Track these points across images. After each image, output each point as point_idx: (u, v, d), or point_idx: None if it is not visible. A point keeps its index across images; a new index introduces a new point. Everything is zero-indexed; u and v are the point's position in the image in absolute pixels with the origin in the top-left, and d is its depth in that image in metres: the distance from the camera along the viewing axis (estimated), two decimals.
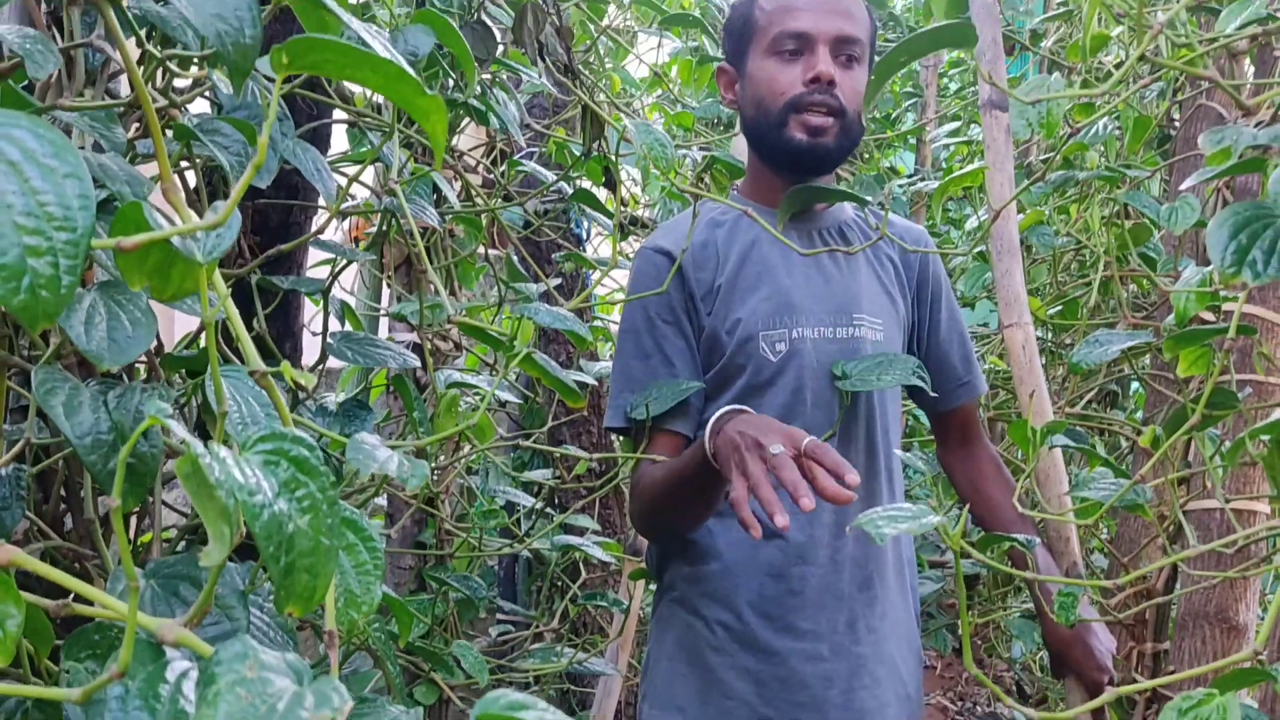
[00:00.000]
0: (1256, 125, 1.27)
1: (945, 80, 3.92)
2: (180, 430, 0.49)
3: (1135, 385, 2.65)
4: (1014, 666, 3.86)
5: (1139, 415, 2.56)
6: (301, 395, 1.23)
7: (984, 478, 1.58)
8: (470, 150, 2.02)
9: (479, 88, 1.68)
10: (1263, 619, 2.14)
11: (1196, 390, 1.74)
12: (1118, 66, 2.07)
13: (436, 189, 1.69)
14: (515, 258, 2.40)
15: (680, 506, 1.38)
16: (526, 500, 1.90)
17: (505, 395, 1.30)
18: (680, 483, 1.33)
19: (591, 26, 1.52)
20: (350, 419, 1.23)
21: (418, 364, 1.22)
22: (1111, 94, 1.93)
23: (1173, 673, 1.74)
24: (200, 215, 0.59)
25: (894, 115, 3.88)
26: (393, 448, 0.75)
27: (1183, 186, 1.15)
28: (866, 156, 3.83)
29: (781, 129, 1.43)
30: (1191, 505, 1.68)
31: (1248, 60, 1.74)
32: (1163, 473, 1.68)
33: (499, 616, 2.59)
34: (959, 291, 2.27)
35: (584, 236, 2.51)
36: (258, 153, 0.55)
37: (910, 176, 3.76)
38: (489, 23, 1.25)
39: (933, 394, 1.54)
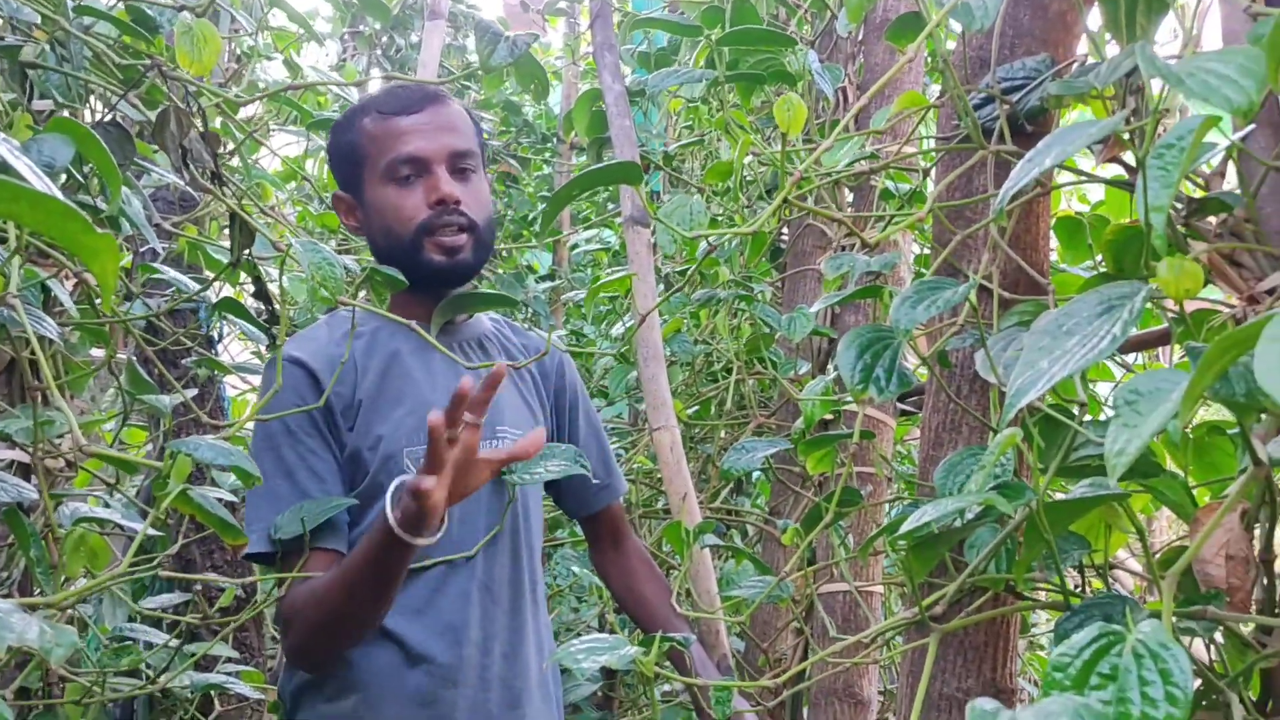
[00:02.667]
0: (866, 251, 1.43)
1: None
2: None
3: (757, 474, 2.86)
4: None
5: (761, 501, 2.76)
6: None
7: (637, 578, 1.62)
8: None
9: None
10: (883, 693, 2.37)
11: (818, 482, 1.92)
12: (740, 184, 2.27)
13: (46, 289, 1.53)
14: (138, 363, 2.21)
15: (362, 601, 1.30)
16: (157, 637, 1.71)
17: (130, 524, 1.17)
18: (361, 572, 1.26)
19: (233, 127, 1.44)
20: None
21: (34, 495, 1.08)
22: (744, 216, 2.11)
23: None
24: None
25: (531, 216, 4.00)
26: (29, 608, 0.66)
27: (814, 308, 1.27)
28: (504, 255, 3.92)
29: (417, 253, 1.42)
30: (822, 589, 1.84)
31: (848, 190, 1.97)
32: (797, 563, 1.82)
33: None
34: (603, 391, 2.36)
35: (215, 339, 2.35)
36: None
37: (546, 275, 3.89)
38: (122, 124, 1.15)
39: (575, 503, 1.60)
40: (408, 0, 3.64)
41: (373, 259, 1.46)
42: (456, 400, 1.16)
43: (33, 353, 1.78)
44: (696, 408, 2.22)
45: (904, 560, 0.91)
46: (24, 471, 1.73)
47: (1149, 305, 0.89)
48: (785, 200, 0.94)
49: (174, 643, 1.65)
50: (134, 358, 2.19)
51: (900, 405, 2.08)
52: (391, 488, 1.25)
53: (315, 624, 1.31)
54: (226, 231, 1.95)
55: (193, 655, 1.54)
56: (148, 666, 1.92)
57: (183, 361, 2.20)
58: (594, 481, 1.61)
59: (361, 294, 1.45)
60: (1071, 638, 0.67)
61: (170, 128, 1.13)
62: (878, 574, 1.89)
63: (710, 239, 1.54)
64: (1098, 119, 0.95)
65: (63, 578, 0.97)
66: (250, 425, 1.29)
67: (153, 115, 1.40)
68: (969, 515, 0.96)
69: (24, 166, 0.56)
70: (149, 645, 1.77)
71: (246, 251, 1.18)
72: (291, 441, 1.35)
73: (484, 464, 1.23)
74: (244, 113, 2.67)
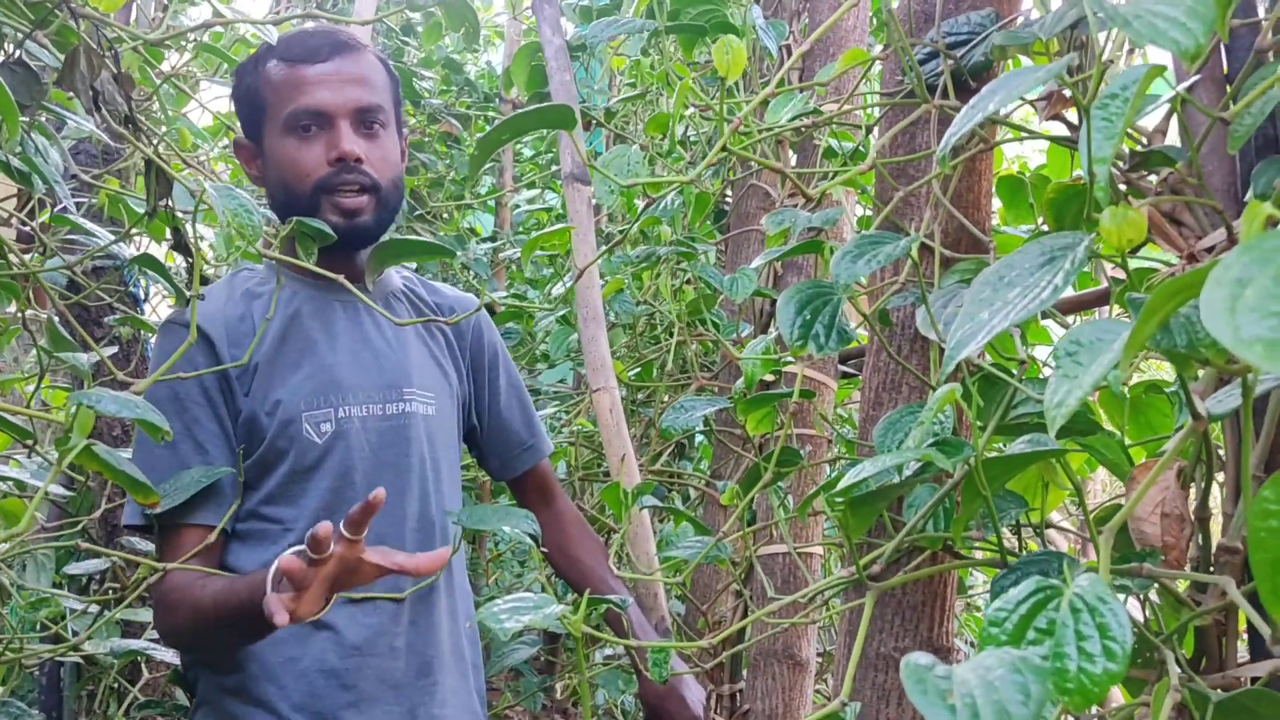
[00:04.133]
0: (809, 208, 1.41)
1: (520, 146, 4.03)
2: None
3: (700, 437, 2.85)
4: (598, 713, 3.99)
5: (704, 465, 2.75)
6: None
7: (570, 540, 1.59)
8: (1, 200, 1.77)
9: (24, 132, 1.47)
10: (821, 655, 2.38)
11: (759, 445, 1.90)
12: (682, 142, 2.24)
13: None
14: (58, 321, 2.13)
15: (226, 637, 1.25)
16: (73, 603, 1.66)
17: (51, 487, 1.12)
18: (231, 614, 1.20)
19: (151, 73, 1.38)
20: None
21: None
22: (686, 174, 2.08)
23: (748, 710, 1.86)
24: None
25: (473, 179, 3.93)
26: None
27: (754, 264, 1.25)
28: (446, 217, 3.85)
29: (314, 213, 1.34)
30: (762, 551, 1.83)
31: (790, 148, 1.95)
32: (737, 524, 1.81)
33: None
34: (544, 355, 2.33)
35: (141, 297, 2.28)
36: None
37: (488, 238, 3.82)
38: (30, 64, 1.09)
39: (499, 465, 1.58)
40: None
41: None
42: (315, 543, 1.05)
43: None
44: (639, 370, 2.19)
45: (841, 518, 0.90)
46: None
47: (1086, 269, 0.88)
48: (724, 149, 0.91)
49: (94, 608, 1.59)
50: (54, 316, 2.11)
51: (842, 368, 2.07)
52: (273, 569, 1.13)
53: (179, 625, 1.26)
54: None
55: (113, 620, 1.49)
56: (72, 634, 1.87)
57: (105, 320, 2.13)
58: (518, 442, 1.58)
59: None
60: (1009, 592, 0.66)
61: (80, 68, 1.07)
62: (817, 535, 1.89)
63: (650, 194, 1.51)
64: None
65: None
66: None
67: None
68: (907, 472, 0.94)
69: None
70: (71, 611, 1.71)
71: (164, 201, 1.12)
72: (178, 409, 1.30)
73: (370, 569, 1.12)
74: (171, 63, 2.58)
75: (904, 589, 1.27)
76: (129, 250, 1.34)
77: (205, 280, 1.52)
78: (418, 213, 3.58)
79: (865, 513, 0.93)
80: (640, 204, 1.71)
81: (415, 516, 1.40)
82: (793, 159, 1.96)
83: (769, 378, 1.85)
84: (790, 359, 1.56)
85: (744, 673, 1.98)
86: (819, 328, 1.07)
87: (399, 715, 1.36)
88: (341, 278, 1.29)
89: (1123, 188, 1.06)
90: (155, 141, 1.26)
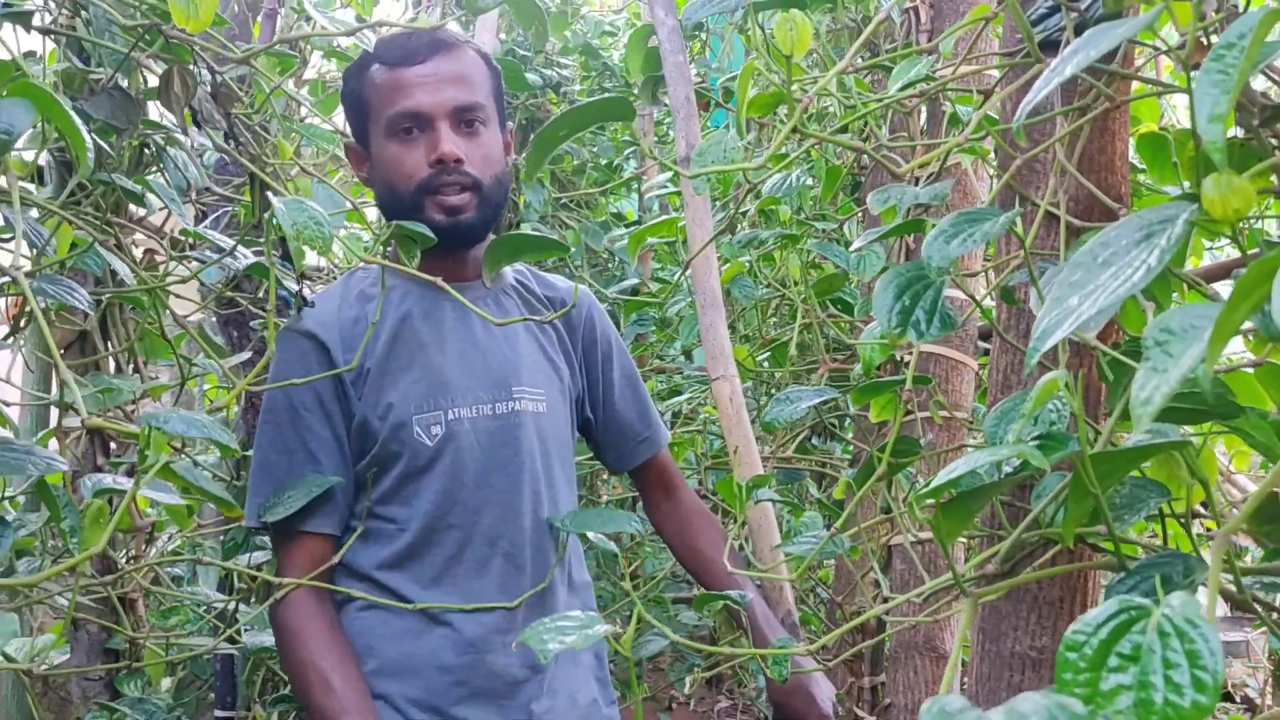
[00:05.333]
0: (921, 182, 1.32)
1: (662, 129, 4.01)
2: None
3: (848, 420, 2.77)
4: (762, 695, 3.96)
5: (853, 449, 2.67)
6: None
7: (692, 531, 1.57)
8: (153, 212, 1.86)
9: (159, 148, 1.54)
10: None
11: (883, 435, 1.82)
12: (819, 116, 2.16)
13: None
14: (210, 326, 2.23)
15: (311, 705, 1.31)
16: (214, 596, 1.74)
17: (152, 493, 1.17)
18: (313, 702, 1.28)
19: (278, 83, 1.41)
20: None
21: (65, 467, 1.08)
22: (814, 151, 2.01)
23: (889, 704, 1.80)
24: None
25: (615, 162, 3.93)
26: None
27: (854, 246, 1.19)
28: (592, 204, 3.87)
29: (418, 212, 1.36)
30: (896, 540, 1.75)
31: (922, 116, 1.85)
32: (871, 511, 1.74)
33: (217, 715, 2.38)
34: (676, 341, 2.30)
35: (291, 301, 2.36)
36: None
37: (634, 223, 3.82)
38: (125, 86, 1.13)
39: (615, 458, 1.58)
40: None
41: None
42: None
43: (103, 322, 1.81)
44: (769, 354, 2.13)
45: (932, 521, 0.83)
46: (96, 442, 1.77)
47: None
48: (794, 130, 0.86)
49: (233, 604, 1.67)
50: (205, 322, 2.22)
51: (985, 344, 1.96)
52: None
53: (285, 659, 1.32)
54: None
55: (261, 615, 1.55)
56: (229, 625, 1.97)
57: (253, 324, 2.22)
58: (634, 435, 1.56)
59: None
60: (1089, 612, 0.59)
61: (174, 88, 1.11)
62: None
63: (749, 177, 1.45)
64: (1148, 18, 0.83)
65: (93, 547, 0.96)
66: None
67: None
68: (1008, 469, 0.87)
69: None
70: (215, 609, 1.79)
71: (268, 212, 1.15)
72: (292, 417, 1.33)
73: None
74: (315, 68, 2.66)
75: (1040, 583, 1.19)
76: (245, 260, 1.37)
77: (306, 279, 1.54)
78: (562, 201, 3.61)
79: (959, 515, 0.87)
80: (737, 190, 1.65)
81: (529, 515, 1.41)
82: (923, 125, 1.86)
83: (907, 356, 1.77)
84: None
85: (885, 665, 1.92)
86: (920, 313, 1.01)
87: (513, 710, 1.37)
88: (440, 280, 1.29)
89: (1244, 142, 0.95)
90: (258, 155, 1.29)
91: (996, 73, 1.33)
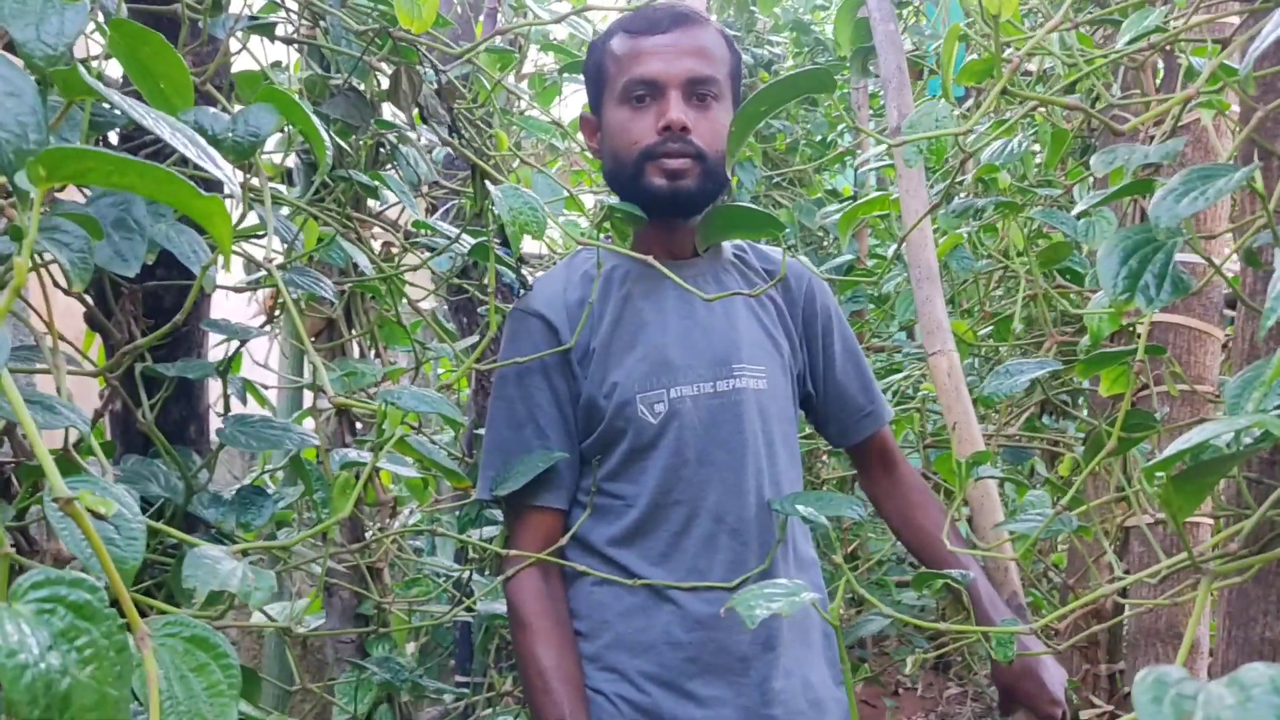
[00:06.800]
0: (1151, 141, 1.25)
1: (878, 100, 3.92)
2: None
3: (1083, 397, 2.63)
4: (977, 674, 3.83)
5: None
6: (198, 483, 1.19)
7: (913, 507, 1.54)
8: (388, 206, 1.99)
9: (392, 146, 1.65)
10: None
11: (1116, 410, 1.72)
12: (1043, 78, 2.07)
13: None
14: (442, 313, 2.36)
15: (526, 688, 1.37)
16: (451, 567, 1.85)
17: (393, 466, 1.25)
18: (536, 708, 1.34)
19: (484, 80, 1.48)
20: (246, 507, 1.19)
21: (316, 443, 1.18)
22: (1040, 116, 1.92)
23: (1129, 694, 1.71)
24: None
25: (829, 138, 3.88)
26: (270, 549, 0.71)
27: (1077, 209, 1.13)
28: (806, 181, 3.83)
29: (639, 178, 1.37)
30: (1132, 520, 1.66)
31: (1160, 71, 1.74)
32: (1104, 490, 1.65)
33: (458, 679, 2.53)
34: (893, 318, 2.26)
35: (515, 289, 2.46)
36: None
37: (850, 198, 3.75)
38: (360, 88, 1.21)
39: (838, 432, 1.57)
40: None
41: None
42: None
43: (347, 310, 1.95)
44: (992, 328, 2.06)
45: (1163, 496, 0.79)
46: (349, 420, 1.92)
47: None
48: (1004, 91, 0.83)
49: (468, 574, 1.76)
50: (438, 309, 2.35)
51: (1231, 313, 1.83)
52: None
53: (513, 640, 1.39)
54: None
55: (489, 587, 1.64)
56: (467, 594, 2.08)
57: (479, 310, 2.33)
58: (857, 409, 1.54)
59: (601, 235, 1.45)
60: None
61: (402, 87, 1.18)
62: (1206, 502, 1.68)
63: (964, 144, 1.40)
64: None
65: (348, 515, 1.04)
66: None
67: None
68: (1247, 440, 0.81)
69: (165, 130, 0.60)
70: (451, 578, 1.90)
71: (488, 200, 1.21)
72: (522, 394, 1.39)
73: None
74: (533, 62, 2.76)
75: None
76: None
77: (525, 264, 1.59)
78: (775, 180, 3.59)
79: (1193, 490, 0.82)
80: (954, 159, 1.60)
81: (754, 492, 1.41)
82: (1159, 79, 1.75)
83: (1140, 326, 1.67)
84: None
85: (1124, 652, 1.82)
86: (1149, 278, 0.95)
87: (746, 687, 1.38)
88: (652, 259, 1.32)
89: None
90: (479, 148, 1.35)
91: (1236, 20, 1.24)
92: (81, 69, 0.61)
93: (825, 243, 3.64)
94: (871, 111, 3.80)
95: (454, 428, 1.02)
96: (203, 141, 0.64)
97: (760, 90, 0.97)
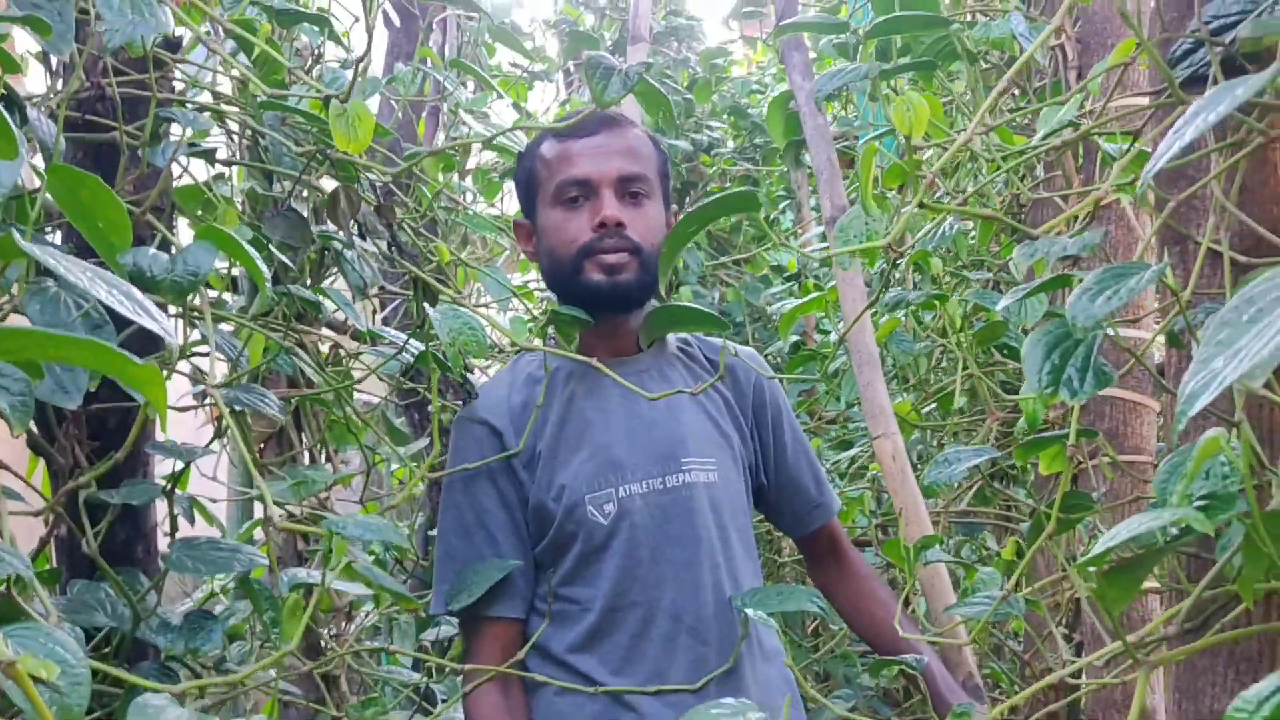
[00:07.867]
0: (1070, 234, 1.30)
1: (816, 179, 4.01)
2: None
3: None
4: None
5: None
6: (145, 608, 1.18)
7: (863, 595, 1.54)
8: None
9: (336, 253, 1.66)
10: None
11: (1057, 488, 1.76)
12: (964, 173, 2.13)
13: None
14: (392, 409, 2.36)
15: None
16: (408, 676, 1.82)
17: (386, 584, 1.23)
18: None
19: (425, 190, 1.51)
20: (195, 632, 1.17)
21: (264, 562, 1.17)
22: (974, 200, 1.98)
23: None
24: None
25: (772, 216, 3.95)
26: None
27: (999, 305, 1.17)
28: (750, 259, 3.88)
29: (578, 275, 1.40)
30: (1080, 593, 1.68)
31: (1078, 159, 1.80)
32: (1054, 564, 1.68)
33: None
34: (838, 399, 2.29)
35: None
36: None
37: (793, 275, 3.81)
38: (299, 209, 1.24)
39: (790, 523, 1.58)
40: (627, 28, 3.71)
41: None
42: None
43: (296, 416, 1.94)
44: (935, 405, 2.10)
45: (1096, 591, 0.81)
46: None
47: None
48: (921, 204, 0.86)
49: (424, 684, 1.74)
50: (389, 411, 2.34)
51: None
52: None
53: None
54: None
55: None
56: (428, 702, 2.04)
57: (428, 409, 2.33)
58: (808, 500, 1.56)
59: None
60: (1252, 688, 0.57)
61: (341, 206, 1.20)
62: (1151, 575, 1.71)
63: (895, 248, 1.44)
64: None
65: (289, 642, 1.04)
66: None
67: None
68: (1174, 531, 0.84)
69: (108, 295, 0.61)
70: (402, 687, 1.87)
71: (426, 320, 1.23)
72: (470, 500, 1.39)
73: None
74: (470, 162, 2.80)
75: (1237, 640, 1.13)
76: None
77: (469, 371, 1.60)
78: (718, 260, 3.65)
79: (1125, 583, 0.84)
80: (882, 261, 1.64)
81: (711, 588, 1.40)
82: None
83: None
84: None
85: None
86: (1071, 371, 0.99)
87: None
88: (594, 361, 1.34)
89: None
90: (422, 253, 1.38)
91: (1148, 111, 1.30)
92: (16, 234, 0.62)
93: (773, 320, 3.68)
94: (811, 189, 3.89)
95: (401, 555, 1.02)
96: (139, 295, 0.65)
97: (689, 212, 1.01)
